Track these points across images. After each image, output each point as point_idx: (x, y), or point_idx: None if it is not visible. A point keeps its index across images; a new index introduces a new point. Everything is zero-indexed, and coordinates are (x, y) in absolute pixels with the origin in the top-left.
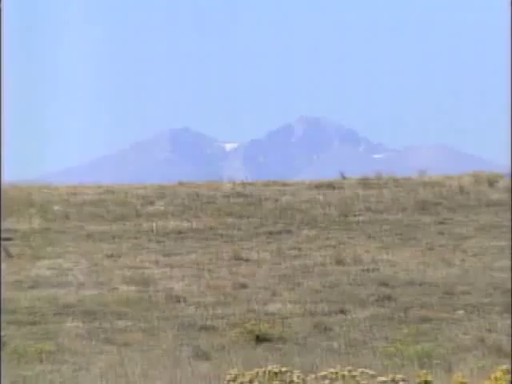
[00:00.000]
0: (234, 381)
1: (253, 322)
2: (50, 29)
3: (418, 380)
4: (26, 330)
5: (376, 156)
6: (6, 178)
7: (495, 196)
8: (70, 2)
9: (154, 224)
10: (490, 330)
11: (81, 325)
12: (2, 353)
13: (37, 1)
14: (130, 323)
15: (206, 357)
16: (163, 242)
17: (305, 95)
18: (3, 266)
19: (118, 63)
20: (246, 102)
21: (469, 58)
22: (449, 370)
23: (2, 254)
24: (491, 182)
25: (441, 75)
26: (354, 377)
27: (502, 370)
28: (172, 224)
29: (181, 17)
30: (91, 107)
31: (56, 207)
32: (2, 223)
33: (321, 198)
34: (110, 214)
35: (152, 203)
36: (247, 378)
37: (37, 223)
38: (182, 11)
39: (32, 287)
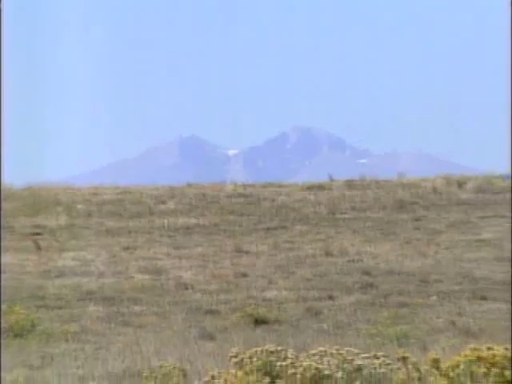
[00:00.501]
0: (235, 357)
1: (252, 306)
2: (54, 32)
3: (396, 356)
4: (54, 314)
5: (360, 161)
6: (36, 180)
7: (464, 196)
8: (72, 5)
9: (165, 221)
10: (459, 314)
11: (101, 309)
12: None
13: (36, 11)
14: (144, 308)
15: (210, 337)
16: (173, 236)
17: (299, 107)
18: (34, 257)
19: (134, 80)
20: (246, 113)
21: (447, 71)
22: (424, 349)
23: (3, 250)
24: (460, 184)
25: (421, 90)
26: (340, 354)
27: (470, 348)
28: (181, 221)
29: (185, 32)
30: (110, 117)
31: (79, 206)
32: (30, 220)
33: (312, 197)
34: (126, 212)
35: (164, 202)
36: (247, 355)
37: (63, 220)
38: (186, 27)
39: (58, 276)
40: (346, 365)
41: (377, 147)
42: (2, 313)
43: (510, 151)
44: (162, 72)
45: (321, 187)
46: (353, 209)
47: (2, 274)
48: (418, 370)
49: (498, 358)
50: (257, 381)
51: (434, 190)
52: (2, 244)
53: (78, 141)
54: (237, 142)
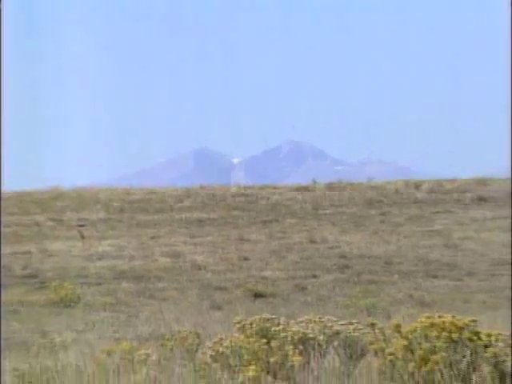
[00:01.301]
0: (238, 323)
1: (252, 283)
2: (66, 34)
3: (366, 323)
4: (94, 289)
5: (337, 168)
6: (82, 184)
7: (419, 195)
8: (78, 11)
9: (183, 215)
10: (416, 289)
11: (132, 285)
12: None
13: (38, 14)
14: (166, 284)
15: (219, 308)
16: (189, 227)
17: (290, 123)
18: (79, 244)
19: (155, 101)
20: (247, 128)
21: (417, 87)
22: (388, 317)
23: (80, 234)
24: (417, 186)
25: (391, 109)
26: (322, 321)
27: (425, 316)
28: (195, 215)
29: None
30: (137, 133)
31: (115, 203)
32: (76, 214)
33: (299, 197)
34: (152, 208)
35: (181, 201)
36: (248, 322)
37: (102, 214)
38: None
39: (98, 259)
40: (326, 330)
41: (351, 157)
42: (2, 313)
43: (510, 152)
44: (179, 95)
45: (306, 189)
46: (331, 206)
47: (1, 275)
48: (383, 333)
49: (447, 324)
50: (255, 341)
51: (396, 190)
52: (1, 244)
53: (113, 151)
54: (240, 152)
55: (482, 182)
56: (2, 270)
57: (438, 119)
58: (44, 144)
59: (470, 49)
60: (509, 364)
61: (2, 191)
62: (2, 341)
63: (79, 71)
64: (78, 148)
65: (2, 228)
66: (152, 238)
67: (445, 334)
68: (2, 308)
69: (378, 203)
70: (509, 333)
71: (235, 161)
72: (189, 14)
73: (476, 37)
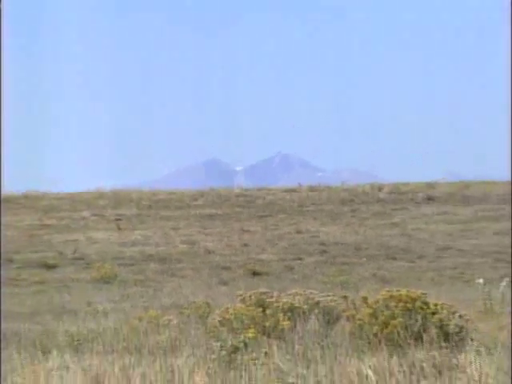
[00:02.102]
0: (241, 296)
1: (251, 264)
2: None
3: (340, 295)
4: (128, 269)
5: (318, 174)
6: (116, 186)
7: (382, 196)
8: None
9: (197, 211)
10: (379, 269)
11: (157, 266)
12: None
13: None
14: (184, 265)
15: (225, 283)
16: (202, 221)
17: (281, 138)
18: (116, 233)
19: (174, 116)
20: (247, 143)
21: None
22: (357, 291)
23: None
24: (379, 188)
25: (362, 123)
26: (306, 294)
27: (386, 291)
28: (206, 211)
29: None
30: (159, 143)
31: (144, 202)
32: (114, 210)
33: (288, 197)
34: (173, 206)
35: (196, 200)
36: (248, 295)
37: (134, 211)
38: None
39: (131, 245)
40: (309, 301)
41: (328, 165)
42: (1, 313)
43: (510, 152)
44: (194, 116)
45: (293, 190)
46: (313, 204)
47: (1, 277)
48: (353, 303)
49: (403, 296)
50: (254, 310)
51: (364, 192)
52: (2, 244)
53: (141, 160)
54: (241, 161)
55: (430, 185)
56: (1, 269)
57: (400, 135)
58: (82, 152)
59: (461, 51)
60: (451, 326)
61: (2, 191)
62: (1, 341)
63: (90, 79)
64: (113, 157)
65: (2, 228)
66: (173, 229)
67: (401, 304)
68: (1, 308)
69: (350, 202)
70: (451, 303)
71: (238, 168)
72: (193, 21)
73: (476, 36)
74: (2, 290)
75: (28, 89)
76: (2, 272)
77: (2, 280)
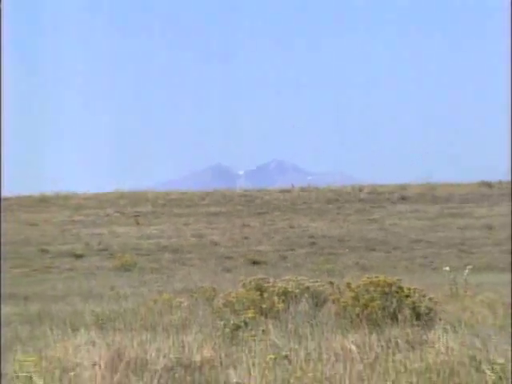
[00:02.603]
0: (242, 281)
1: (251, 254)
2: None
3: (327, 281)
4: (145, 258)
5: (309, 177)
6: (135, 187)
7: (362, 196)
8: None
9: (204, 209)
10: (360, 258)
11: (170, 256)
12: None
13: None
14: (193, 255)
15: (228, 271)
16: (208, 217)
17: (276, 147)
18: (135, 228)
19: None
20: (247, 151)
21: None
22: (342, 277)
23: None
24: (360, 189)
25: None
26: (297, 280)
27: (367, 277)
28: (212, 209)
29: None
30: (171, 151)
31: (159, 201)
32: (133, 208)
33: (282, 197)
34: (184, 204)
35: (203, 199)
36: (248, 280)
37: (150, 208)
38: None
39: (148, 238)
40: (300, 286)
41: (317, 169)
42: (1, 312)
43: (510, 153)
44: (202, 127)
45: (287, 191)
46: (304, 203)
47: (1, 275)
48: (338, 288)
49: (381, 282)
50: (253, 293)
51: (347, 192)
52: (1, 245)
53: (156, 164)
54: (242, 166)
55: (403, 186)
56: (1, 269)
57: (379, 143)
58: (102, 155)
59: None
60: (422, 307)
61: (2, 191)
62: (1, 341)
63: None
64: (131, 163)
65: (1, 228)
66: (184, 224)
67: (379, 288)
68: (1, 308)
69: (335, 201)
70: (422, 288)
71: (240, 172)
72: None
73: (475, 36)
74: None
75: (32, 89)
76: (2, 272)
77: (2, 280)
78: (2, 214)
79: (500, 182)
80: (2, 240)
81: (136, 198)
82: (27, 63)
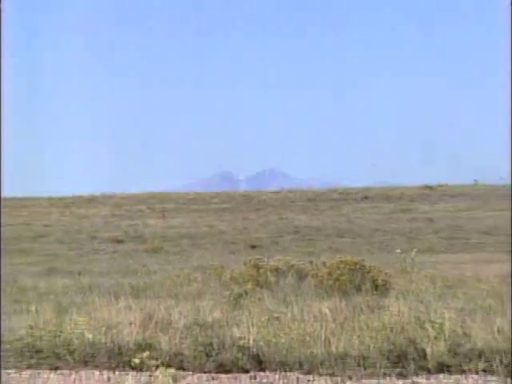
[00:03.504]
0: (243, 261)
1: (250, 241)
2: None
3: (308, 261)
4: (168, 243)
5: (295, 181)
6: (160, 189)
7: (335, 196)
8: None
9: (214, 206)
10: (332, 243)
11: (189, 241)
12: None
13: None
14: (206, 241)
15: (233, 253)
16: (217, 212)
17: (270, 157)
18: (162, 220)
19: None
20: (247, 160)
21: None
22: (319, 258)
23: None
24: (333, 191)
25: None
26: (285, 260)
27: (338, 257)
28: (220, 206)
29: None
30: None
31: (180, 200)
32: (160, 205)
33: (274, 197)
34: (198, 202)
35: (214, 198)
36: (248, 260)
37: (173, 205)
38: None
39: (171, 228)
40: (287, 264)
41: (301, 175)
42: (1, 312)
43: (510, 154)
44: (210, 139)
45: (278, 192)
46: (290, 201)
47: (1, 276)
48: (316, 266)
49: (349, 261)
50: (251, 270)
51: (323, 193)
52: (1, 245)
53: (173, 172)
54: (243, 173)
55: (366, 188)
56: (1, 269)
57: (349, 152)
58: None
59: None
60: (379, 280)
61: (2, 192)
62: (1, 340)
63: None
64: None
65: (1, 228)
66: (198, 217)
67: (347, 266)
68: (2, 309)
69: (314, 200)
70: (379, 265)
71: (241, 178)
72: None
73: (475, 36)
74: (1, 288)
75: (37, 90)
76: (2, 272)
77: (2, 280)
78: (1, 214)
79: (439, 185)
80: (1, 240)
81: (162, 198)
82: (27, 64)
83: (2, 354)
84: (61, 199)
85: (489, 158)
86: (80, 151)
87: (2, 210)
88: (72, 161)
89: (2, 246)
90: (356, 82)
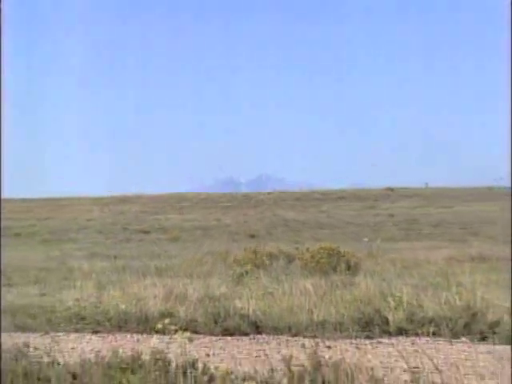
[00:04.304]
0: (244, 248)
1: (250, 231)
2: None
3: (295, 247)
4: (186, 234)
5: (285, 184)
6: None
7: (317, 196)
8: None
9: (220, 204)
10: (315, 234)
11: (201, 232)
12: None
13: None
14: (214, 232)
15: (235, 241)
16: (223, 209)
17: (265, 165)
18: (179, 216)
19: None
20: (246, 167)
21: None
22: (304, 245)
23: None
24: (316, 192)
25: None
26: (278, 247)
27: (318, 244)
28: (226, 204)
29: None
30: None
31: (193, 199)
32: (178, 203)
33: (268, 197)
34: (209, 201)
35: (221, 198)
36: (248, 247)
37: (188, 203)
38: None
39: (187, 221)
40: (279, 250)
41: (291, 179)
42: (1, 312)
43: (510, 155)
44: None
45: (271, 193)
46: (282, 201)
47: (1, 276)
48: (302, 251)
49: (327, 247)
50: (251, 254)
51: (307, 194)
52: (1, 244)
53: (188, 178)
54: (243, 178)
55: (342, 190)
56: (1, 269)
57: (331, 158)
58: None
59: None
60: (352, 262)
61: (2, 193)
62: (1, 340)
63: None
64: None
65: (1, 228)
66: (208, 213)
67: (326, 251)
68: (1, 309)
69: (300, 199)
70: (351, 250)
71: (242, 181)
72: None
73: (475, 36)
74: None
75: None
76: (2, 272)
77: (2, 280)
78: (1, 214)
79: (399, 188)
80: (1, 239)
81: (180, 198)
82: (28, 65)
83: (1, 354)
84: (100, 199)
85: (488, 159)
86: (89, 156)
87: (2, 210)
88: (85, 166)
89: (2, 245)
90: (343, 97)
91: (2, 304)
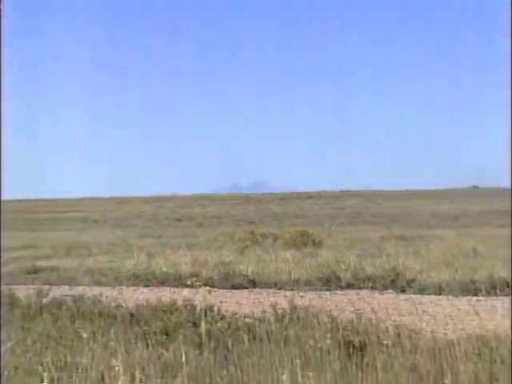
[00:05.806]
0: (244, 230)
1: (250, 219)
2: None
3: (279, 230)
4: (206, 221)
5: (276, 189)
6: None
7: (294, 196)
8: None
9: (228, 202)
10: (293, 221)
11: (216, 220)
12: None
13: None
14: (225, 220)
15: (239, 226)
16: (230, 205)
17: (261, 173)
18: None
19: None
20: (246, 175)
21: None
22: (285, 228)
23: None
24: (304, 195)
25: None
26: (268, 230)
27: (295, 228)
28: (231, 202)
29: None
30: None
31: (206, 200)
32: (199, 202)
33: (262, 197)
34: (221, 200)
35: (230, 197)
36: (247, 230)
37: (207, 202)
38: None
39: (206, 213)
40: (269, 232)
41: (281, 185)
42: (1, 312)
43: (510, 155)
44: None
45: (264, 194)
46: (272, 200)
47: (1, 278)
48: (283, 233)
49: (300, 230)
50: (250, 235)
51: (291, 195)
52: (1, 244)
53: (199, 184)
54: (245, 184)
55: (317, 192)
56: (1, 270)
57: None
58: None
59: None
60: (317, 240)
61: (2, 193)
62: (2, 341)
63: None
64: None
65: (2, 228)
66: (221, 208)
67: (299, 232)
68: (2, 311)
69: (286, 199)
70: (318, 232)
71: (243, 185)
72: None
73: (474, 36)
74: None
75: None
76: (1, 272)
77: (1, 280)
78: (1, 214)
79: (350, 190)
80: (2, 240)
81: (202, 197)
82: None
83: (2, 355)
84: (149, 198)
85: (488, 160)
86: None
87: (2, 210)
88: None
89: (2, 244)
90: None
91: (2, 303)
